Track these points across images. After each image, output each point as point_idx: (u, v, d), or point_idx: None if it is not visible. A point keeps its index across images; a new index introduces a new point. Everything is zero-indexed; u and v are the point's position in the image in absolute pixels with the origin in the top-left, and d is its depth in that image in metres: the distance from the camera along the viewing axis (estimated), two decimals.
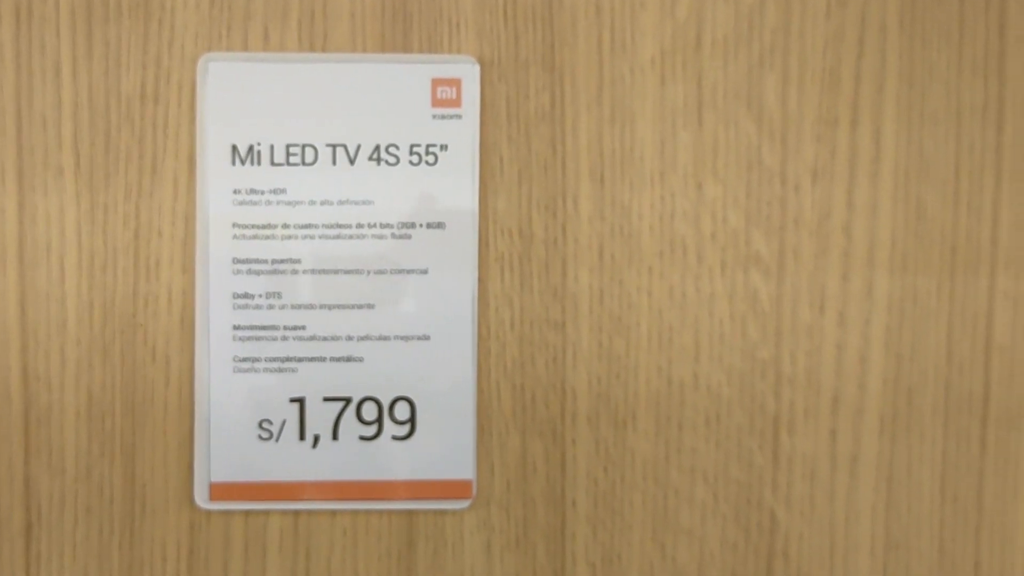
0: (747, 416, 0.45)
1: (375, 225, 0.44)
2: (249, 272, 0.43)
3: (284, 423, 0.44)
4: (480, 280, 0.44)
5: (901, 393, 0.45)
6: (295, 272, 0.44)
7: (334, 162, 0.44)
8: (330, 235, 0.44)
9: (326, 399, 0.44)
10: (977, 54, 0.45)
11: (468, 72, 0.44)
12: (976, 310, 0.45)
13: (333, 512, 0.44)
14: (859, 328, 0.45)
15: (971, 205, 0.45)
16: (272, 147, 0.43)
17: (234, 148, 0.43)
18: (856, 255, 0.45)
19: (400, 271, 0.44)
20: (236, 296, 0.43)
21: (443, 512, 0.44)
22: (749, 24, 0.44)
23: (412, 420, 0.44)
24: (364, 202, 0.44)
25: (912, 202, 0.45)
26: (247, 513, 0.44)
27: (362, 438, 0.44)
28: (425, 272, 0.44)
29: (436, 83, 0.44)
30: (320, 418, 0.44)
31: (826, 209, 0.45)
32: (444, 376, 0.44)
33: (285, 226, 0.44)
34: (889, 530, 0.45)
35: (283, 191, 0.43)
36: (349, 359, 0.44)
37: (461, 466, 0.44)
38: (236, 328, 0.43)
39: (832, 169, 0.45)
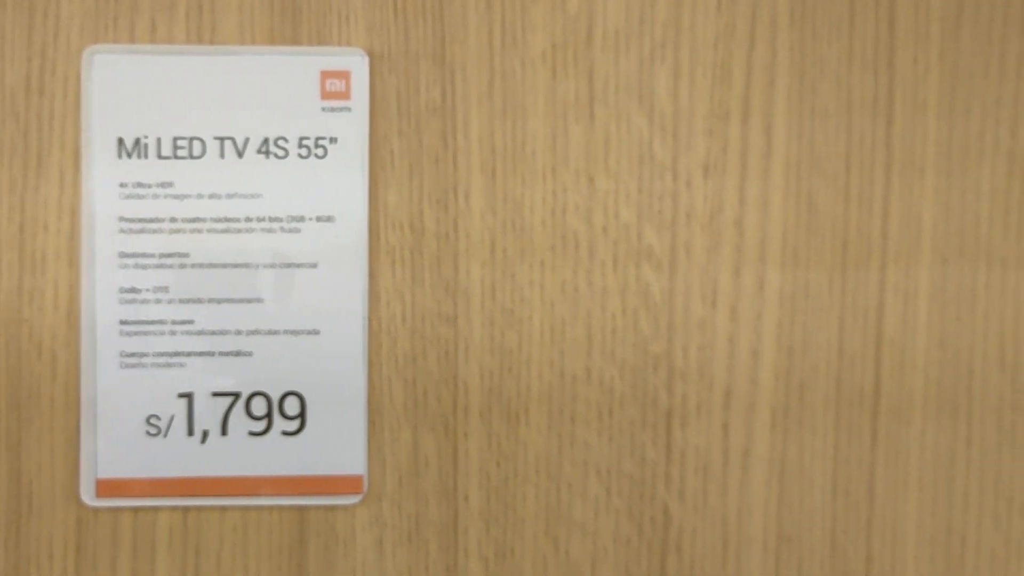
0: (640, 410, 0.45)
1: (264, 219, 0.44)
2: (136, 266, 0.43)
3: (172, 419, 0.43)
4: (371, 274, 0.44)
5: (793, 387, 0.45)
6: (183, 266, 0.43)
7: (222, 155, 0.43)
8: (218, 229, 0.43)
9: (215, 394, 0.44)
10: (867, 48, 0.45)
11: (357, 65, 0.44)
12: (867, 304, 0.45)
13: (223, 508, 0.44)
14: (751, 322, 0.45)
15: (862, 199, 0.45)
16: (159, 140, 0.43)
17: (120, 141, 0.43)
18: (748, 249, 0.45)
19: (289, 265, 0.44)
20: (123, 291, 0.43)
21: (334, 508, 0.44)
22: (640, 18, 0.44)
23: (302, 415, 0.44)
24: (253, 196, 0.44)
25: (803, 196, 0.45)
26: (135, 510, 0.44)
27: (251, 433, 0.44)
28: (315, 266, 0.44)
29: (325, 75, 0.44)
30: (209, 413, 0.44)
31: (718, 204, 0.45)
32: (334, 371, 0.44)
33: (172, 220, 0.43)
34: (781, 523, 0.45)
35: (170, 184, 0.43)
36: (238, 354, 0.44)
37: (352, 461, 0.44)
38: (123, 323, 0.43)
39: (724, 164, 0.45)
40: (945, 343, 0.45)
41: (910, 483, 0.46)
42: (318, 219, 0.44)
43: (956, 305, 0.45)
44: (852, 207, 0.45)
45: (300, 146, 0.43)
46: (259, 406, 0.44)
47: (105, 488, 0.43)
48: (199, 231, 0.43)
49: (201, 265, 0.43)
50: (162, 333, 0.43)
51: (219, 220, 0.43)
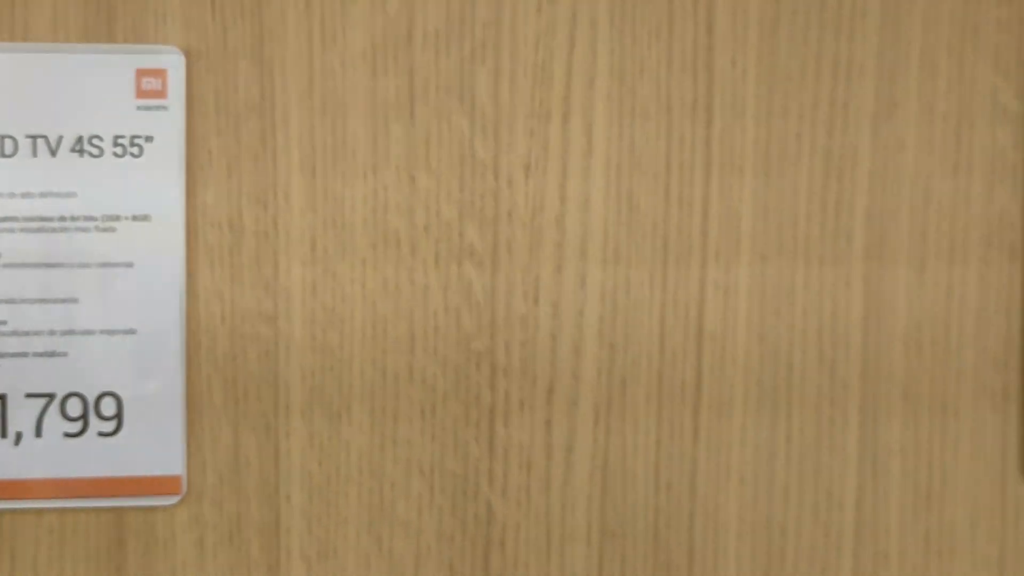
0: (463, 407, 0.45)
1: (78, 218, 0.43)
2: None
3: None
4: (189, 273, 0.44)
5: (615, 382, 0.46)
6: None
7: (35, 154, 0.43)
8: (31, 228, 0.43)
9: (28, 395, 0.43)
10: (686, 51, 0.46)
11: (173, 63, 0.44)
12: (687, 300, 0.46)
13: (39, 511, 0.44)
14: (573, 319, 0.46)
15: (682, 198, 0.46)
16: None
17: None
18: (569, 247, 0.45)
19: (105, 264, 0.43)
20: None
21: (153, 509, 0.44)
22: (460, 19, 0.45)
23: (119, 416, 0.44)
24: (67, 194, 0.43)
25: (624, 195, 0.46)
26: None
27: (67, 435, 0.43)
28: (131, 265, 0.43)
29: (140, 74, 0.43)
30: (22, 415, 0.43)
31: (539, 202, 0.45)
32: (152, 371, 0.44)
33: None
34: (605, 518, 0.46)
35: None
36: (52, 354, 0.43)
37: (170, 461, 0.44)
38: None
39: (545, 163, 0.45)
40: (764, 339, 0.46)
41: (731, 476, 0.46)
42: (134, 218, 0.43)
43: (775, 301, 0.46)
44: (672, 206, 0.46)
45: (115, 145, 0.43)
46: (74, 407, 0.43)
47: None
48: (11, 231, 0.43)
49: (13, 265, 0.43)
50: None
51: (32, 219, 0.43)
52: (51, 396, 0.43)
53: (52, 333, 0.43)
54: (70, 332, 0.43)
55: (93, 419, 0.44)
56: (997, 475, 0.47)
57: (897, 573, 0.47)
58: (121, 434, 0.44)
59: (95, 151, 0.43)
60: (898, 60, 0.47)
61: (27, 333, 0.43)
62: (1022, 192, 0.47)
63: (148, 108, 0.44)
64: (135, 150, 0.43)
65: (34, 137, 0.43)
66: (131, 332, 0.44)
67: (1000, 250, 0.47)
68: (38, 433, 0.43)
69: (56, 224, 0.43)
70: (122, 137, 0.43)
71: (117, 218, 0.43)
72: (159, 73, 0.44)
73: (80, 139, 0.43)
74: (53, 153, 0.43)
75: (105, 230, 0.43)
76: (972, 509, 0.47)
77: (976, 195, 0.47)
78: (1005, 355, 0.47)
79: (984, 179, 0.47)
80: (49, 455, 0.44)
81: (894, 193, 0.47)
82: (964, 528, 0.47)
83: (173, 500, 0.44)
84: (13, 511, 0.44)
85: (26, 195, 0.43)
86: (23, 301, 0.43)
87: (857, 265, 0.47)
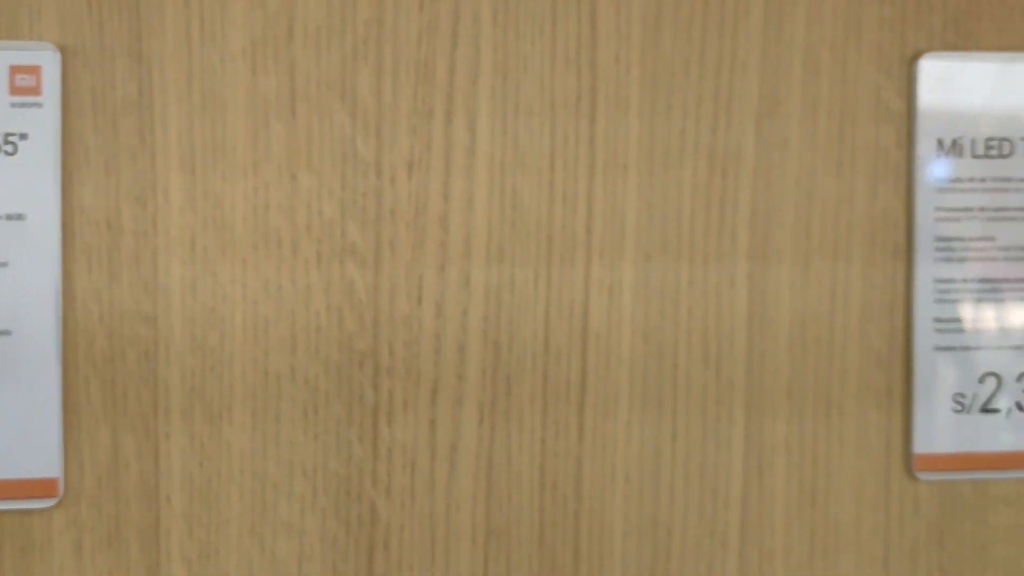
0: (345, 408, 0.45)
1: None
2: None
3: None
4: (65, 273, 0.43)
5: (500, 382, 0.46)
6: None
7: None
8: None
9: None
10: (570, 47, 0.46)
11: (48, 60, 0.43)
12: (572, 299, 0.46)
13: None
14: (457, 318, 0.45)
15: (566, 196, 0.46)
16: None
17: None
18: (453, 246, 0.45)
19: None
20: None
21: (29, 511, 0.44)
22: (342, 16, 0.45)
23: None
24: None
25: (508, 193, 0.46)
26: None
27: None
28: (4, 265, 0.43)
29: (14, 70, 0.43)
30: None
31: (422, 201, 0.45)
32: (27, 372, 0.43)
33: None
34: (490, 518, 0.46)
35: None
36: None
37: (46, 464, 0.44)
38: None
39: (428, 161, 0.45)
40: (649, 337, 0.46)
41: (616, 476, 0.47)
42: (8, 217, 0.43)
43: (660, 300, 0.46)
44: (556, 204, 0.46)
45: None
46: None
47: None
48: None
49: None
50: None
51: None
52: None
53: None
54: None
55: None
56: (882, 472, 0.48)
57: (783, 571, 0.47)
58: None
59: None
60: (781, 57, 0.47)
61: None
62: (905, 190, 0.47)
63: (22, 105, 0.43)
64: (9, 148, 0.43)
65: None
66: (5, 333, 0.43)
67: (884, 248, 0.47)
68: None
69: None
70: None
71: None
72: (33, 70, 0.43)
73: None
74: None
75: None
76: (857, 506, 0.48)
77: (860, 193, 0.47)
78: (889, 353, 0.48)
79: (868, 177, 0.47)
80: None
81: (778, 191, 0.47)
82: (849, 525, 0.48)
83: (50, 503, 0.44)
84: None
85: None
86: None
87: (742, 263, 0.47)
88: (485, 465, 0.46)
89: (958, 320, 0.48)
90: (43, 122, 0.43)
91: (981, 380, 0.48)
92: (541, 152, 0.46)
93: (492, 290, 0.46)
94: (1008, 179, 0.48)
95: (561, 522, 0.46)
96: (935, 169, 0.47)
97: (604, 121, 0.46)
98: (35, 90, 0.43)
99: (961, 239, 0.47)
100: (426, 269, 0.45)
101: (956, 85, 0.47)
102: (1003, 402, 0.48)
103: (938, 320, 0.48)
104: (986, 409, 0.48)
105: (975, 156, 0.47)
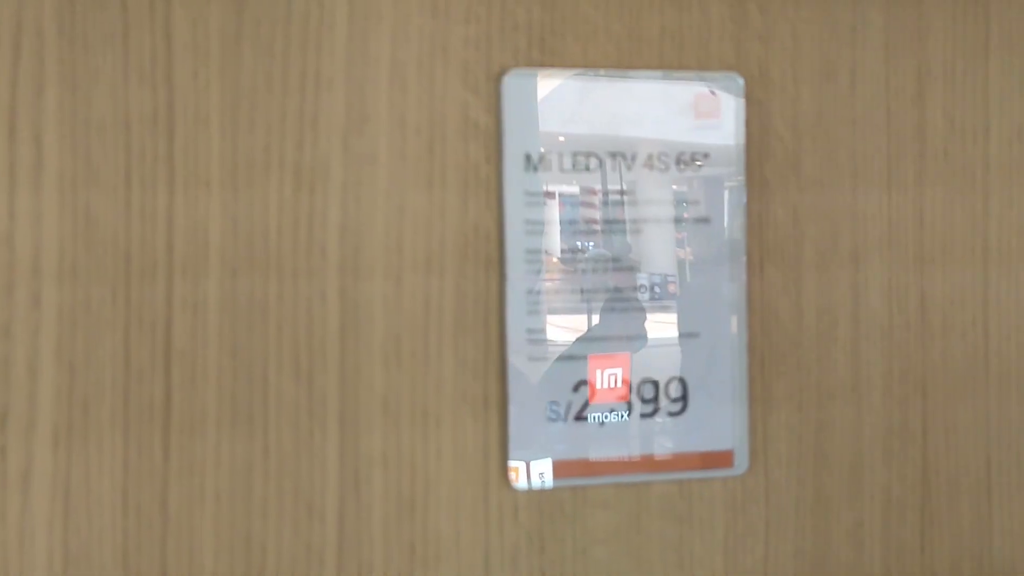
0: None
1: None
2: None
3: None
4: None
5: (76, 404, 0.45)
6: None
7: None
8: None
9: None
10: (144, 62, 0.45)
11: None
12: (154, 317, 0.45)
13: None
14: (28, 340, 0.44)
15: (144, 213, 0.45)
16: None
17: None
18: (21, 266, 0.44)
19: None
20: None
21: None
22: None
23: None
24: None
25: (80, 210, 0.45)
26: None
27: None
28: None
29: None
30: None
31: None
32: None
33: None
34: (68, 545, 0.45)
35: None
36: None
37: None
38: None
39: None
40: (237, 353, 0.46)
41: (206, 495, 0.46)
42: None
43: (247, 316, 0.46)
44: (134, 221, 0.45)
45: None
46: None
47: None
48: None
49: None
50: None
51: None
52: None
53: None
54: None
55: None
56: (480, 482, 0.49)
57: None
58: None
59: None
60: (367, 74, 0.47)
61: None
62: (496, 205, 0.49)
63: None
64: None
65: None
66: None
67: (476, 261, 0.49)
68: None
69: None
70: None
71: None
72: None
73: None
74: None
75: None
76: (456, 516, 0.49)
77: (451, 208, 0.48)
78: (484, 363, 0.49)
79: (458, 192, 0.48)
80: None
81: (368, 206, 0.47)
82: (449, 536, 0.49)
83: None
84: None
85: None
86: None
87: (332, 278, 0.47)
88: (62, 490, 0.45)
89: (550, 330, 0.49)
90: None
91: (575, 389, 0.50)
92: (116, 168, 0.45)
93: (66, 310, 0.45)
94: (595, 192, 0.49)
95: (147, 545, 0.46)
96: (523, 183, 0.49)
97: (183, 137, 0.46)
98: None
99: (551, 251, 0.49)
100: None
101: (542, 101, 0.49)
102: (596, 410, 0.50)
103: (531, 331, 0.49)
104: (580, 417, 0.50)
105: (563, 171, 0.49)
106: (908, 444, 0.54)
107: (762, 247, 0.52)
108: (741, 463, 0.52)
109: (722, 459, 0.52)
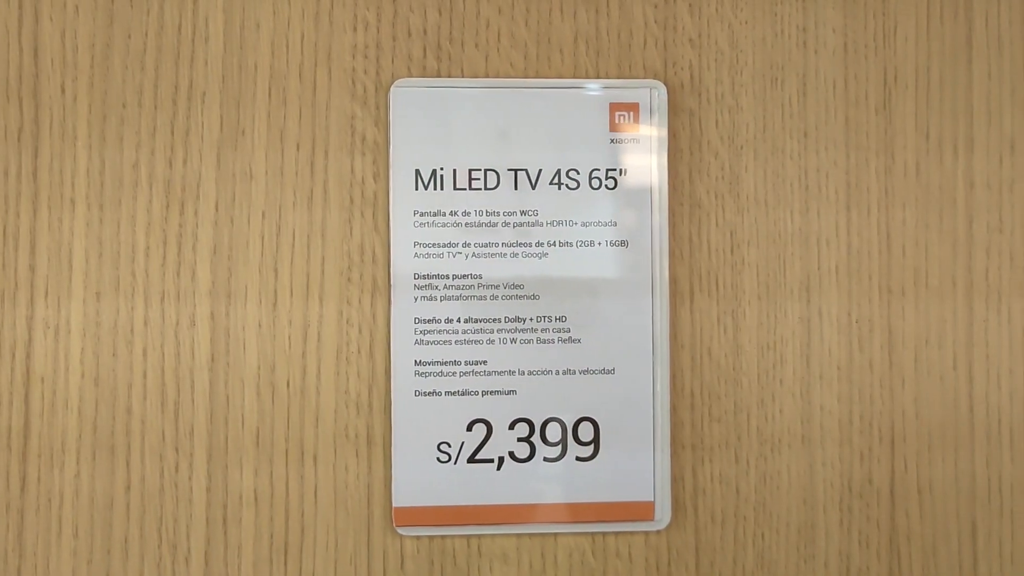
0: None
1: None
2: None
3: None
4: None
5: None
6: None
7: None
8: None
9: None
10: (11, 76, 0.44)
11: None
12: (14, 341, 0.44)
13: None
14: None
15: (7, 232, 0.44)
16: None
17: None
18: None
19: None
20: None
21: None
22: None
23: None
24: None
25: None
26: None
27: None
28: None
29: None
30: None
31: None
32: None
33: None
34: None
35: None
36: None
37: None
38: None
39: None
40: (101, 381, 0.44)
41: (64, 530, 0.44)
42: None
43: (112, 341, 0.44)
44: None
45: None
46: None
47: None
48: None
49: None
50: None
51: None
52: None
53: None
54: None
55: None
56: (362, 527, 0.45)
57: None
58: None
59: None
60: (244, 86, 0.45)
61: None
62: (384, 225, 0.45)
63: None
64: None
65: None
66: None
67: (361, 286, 0.45)
68: None
69: None
70: None
71: None
72: None
73: None
74: None
75: None
76: (334, 563, 0.45)
77: (334, 227, 0.45)
78: (369, 397, 0.45)
79: (342, 210, 0.45)
80: None
81: (242, 226, 0.45)
82: None
83: None
84: None
85: None
86: None
87: (203, 302, 0.45)
88: None
89: (441, 363, 0.45)
90: None
91: (469, 428, 0.46)
92: None
93: None
94: (494, 212, 0.46)
95: None
96: (414, 202, 0.45)
97: (48, 153, 0.44)
98: None
99: (443, 276, 0.45)
100: None
101: (435, 113, 0.46)
102: (494, 452, 0.46)
103: (419, 363, 0.45)
104: (475, 459, 0.46)
105: (457, 188, 0.46)
106: (872, 504, 0.47)
107: (692, 275, 0.47)
108: (663, 516, 0.46)
109: (640, 510, 0.46)
